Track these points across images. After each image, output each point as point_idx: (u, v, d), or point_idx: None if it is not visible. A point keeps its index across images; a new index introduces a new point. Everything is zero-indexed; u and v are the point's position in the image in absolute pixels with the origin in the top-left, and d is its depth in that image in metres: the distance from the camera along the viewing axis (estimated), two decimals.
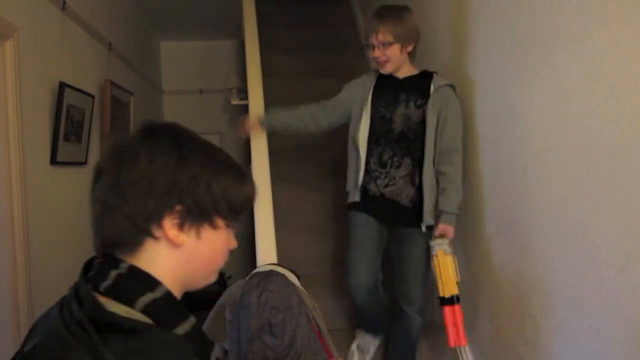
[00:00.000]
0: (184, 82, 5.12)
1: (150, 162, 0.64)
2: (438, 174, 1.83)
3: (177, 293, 0.67)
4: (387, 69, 1.87)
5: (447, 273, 1.74)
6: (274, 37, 3.44)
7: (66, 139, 2.43)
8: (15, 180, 1.98)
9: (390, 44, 1.79)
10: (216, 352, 1.53)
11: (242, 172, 0.72)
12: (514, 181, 1.64)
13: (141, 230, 0.64)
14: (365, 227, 1.92)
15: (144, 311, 0.60)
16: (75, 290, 0.62)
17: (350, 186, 1.99)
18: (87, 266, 0.66)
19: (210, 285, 0.75)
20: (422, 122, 1.83)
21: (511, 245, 1.67)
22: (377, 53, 1.82)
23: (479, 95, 1.88)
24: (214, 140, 4.95)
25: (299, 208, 2.63)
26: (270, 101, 2.49)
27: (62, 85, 2.33)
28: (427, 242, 1.82)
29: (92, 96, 2.74)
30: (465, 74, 1.96)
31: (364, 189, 1.92)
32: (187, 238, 0.66)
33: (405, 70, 1.90)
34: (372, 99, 1.92)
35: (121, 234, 0.64)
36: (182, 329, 0.63)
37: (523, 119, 1.57)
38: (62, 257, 2.33)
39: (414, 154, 1.85)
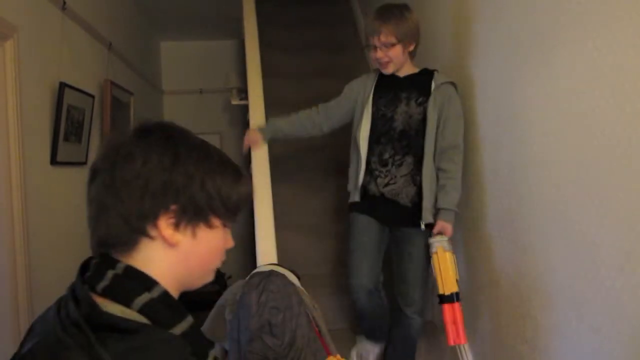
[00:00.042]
0: (184, 82, 5.12)
1: (145, 162, 0.63)
2: (438, 171, 1.83)
3: (174, 292, 0.67)
4: (389, 70, 1.87)
5: (446, 270, 1.74)
6: (274, 37, 3.44)
7: (66, 139, 2.43)
8: (15, 180, 1.98)
9: (393, 45, 1.79)
10: (216, 352, 1.52)
11: (237, 171, 0.72)
12: (514, 181, 1.64)
13: (136, 230, 0.64)
14: (365, 229, 1.92)
15: (141, 311, 0.60)
16: (72, 290, 0.62)
17: (351, 186, 1.99)
18: (84, 266, 0.66)
19: (210, 285, 0.75)
20: (424, 120, 1.83)
21: (511, 245, 1.67)
22: (380, 54, 1.82)
23: (479, 95, 1.88)
24: (214, 140, 4.97)
25: (299, 208, 2.63)
26: (270, 101, 2.49)
27: (62, 85, 2.33)
28: (427, 241, 1.82)
29: (92, 96, 2.74)
30: (465, 74, 1.96)
31: (364, 189, 1.92)
32: (182, 237, 0.66)
33: (406, 69, 1.90)
34: (373, 98, 1.92)
35: (116, 233, 0.64)
36: (179, 328, 0.63)
37: (523, 119, 1.57)
38: (62, 257, 2.33)
39: (415, 152, 1.85)
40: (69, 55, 2.53)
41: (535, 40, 1.48)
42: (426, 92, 1.84)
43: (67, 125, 2.42)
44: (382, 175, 1.88)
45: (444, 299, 1.73)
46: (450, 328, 1.73)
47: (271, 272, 1.51)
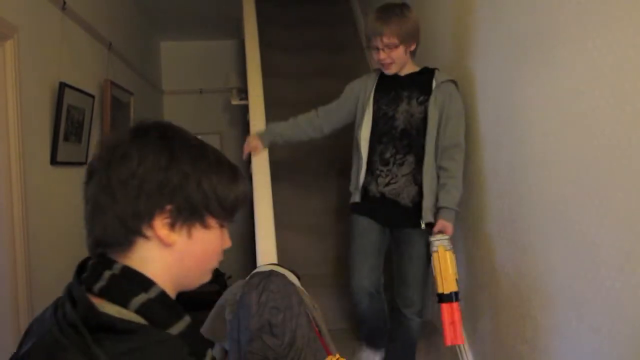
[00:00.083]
0: (184, 82, 5.12)
1: (141, 162, 0.63)
2: (439, 170, 1.83)
3: (171, 293, 0.67)
4: (391, 70, 1.87)
5: (446, 269, 1.73)
6: (274, 37, 3.44)
7: (66, 139, 2.43)
8: (15, 180, 1.98)
9: (396, 46, 1.79)
10: (216, 352, 1.53)
11: (234, 171, 0.71)
12: (514, 181, 1.64)
13: (132, 230, 0.64)
14: (366, 232, 1.92)
15: (138, 311, 0.60)
16: (69, 291, 0.62)
17: (352, 186, 1.99)
18: (81, 267, 0.66)
19: (211, 285, 0.75)
20: (425, 119, 1.83)
21: (511, 245, 1.67)
22: (383, 56, 1.82)
23: (479, 95, 1.88)
24: (214, 140, 4.97)
25: (299, 208, 2.63)
26: (270, 101, 2.49)
27: (62, 85, 2.33)
28: (427, 242, 1.82)
29: (92, 96, 2.74)
30: (465, 74, 1.96)
31: (365, 190, 1.92)
32: (178, 238, 0.66)
33: (407, 68, 1.90)
34: (374, 97, 1.92)
35: (112, 234, 0.64)
36: (176, 328, 0.63)
37: (523, 119, 1.57)
38: (62, 257, 2.33)
39: (416, 151, 1.84)
40: (69, 55, 2.53)
41: (535, 40, 1.48)
42: (427, 91, 1.84)
43: (67, 125, 2.42)
44: (383, 175, 1.88)
45: (443, 298, 1.73)
46: (448, 328, 1.72)
47: (271, 272, 1.51)
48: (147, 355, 0.57)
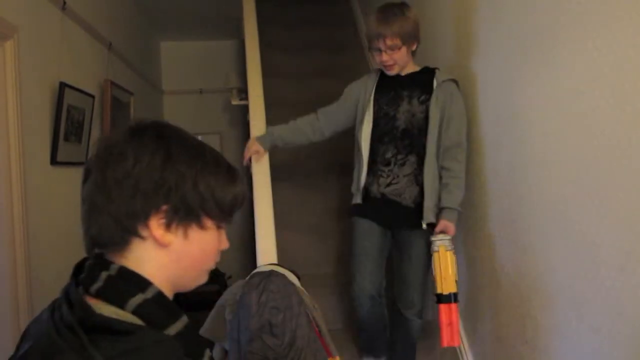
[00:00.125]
0: (184, 82, 5.12)
1: (137, 161, 0.63)
2: (441, 170, 1.82)
3: (168, 293, 0.66)
4: (394, 71, 1.87)
5: (446, 270, 1.73)
6: (274, 37, 3.44)
7: (66, 139, 2.43)
8: (15, 180, 1.98)
9: (399, 47, 1.79)
10: (216, 352, 1.52)
11: (232, 172, 0.70)
12: (514, 181, 1.64)
13: (127, 230, 0.63)
14: (367, 234, 1.91)
15: (135, 312, 0.60)
16: (66, 293, 0.62)
17: (354, 187, 1.98)
18: (78, 268, 0.66)
19: (211, 285, 0.75)
20: (426, 119, 1.83)
21: (511, 245, 1.67)
22: (385, 57, 1.81)
23: (479, 95, 1.88)
24: (214, 140, 4.97)
25: (299, 208, 2.62)
26: (270, 101, 2.49)
27: (62, 85, 2.33)
28: (428, 242, 1.81)
29: (92, 96, 2.74)
30: (465, 74, 1.96)
31: (366, 191, 1.91)
32: (174, 238, 0.65)
33: (408, 68, 1.90)
34: (375, 97, 1.92)
35: (108, 233, 0.64)
36: (173, 329, 0.62)
37: (523, 119, 1.57)
38: (62, 257, 2.33)
39: (418, 151, 1.84)
40: (69, 55, 2.53)
41: (535, 40, 1.48)
42: (428, 90, 1.84)
43: (67, 125, 2.42)
44: (385, 175, 1.87)
45: (442, 299, 1.73)
46: (445, 329, 1.72)
47: (271, 272, 1.51)
48: (143, 356, 0.56)
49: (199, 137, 0.72)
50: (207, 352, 0.68)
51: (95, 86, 2.91)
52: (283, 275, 1.52)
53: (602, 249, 1.22)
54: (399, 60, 1.83)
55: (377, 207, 1.89)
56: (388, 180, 1.86)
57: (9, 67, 1.95)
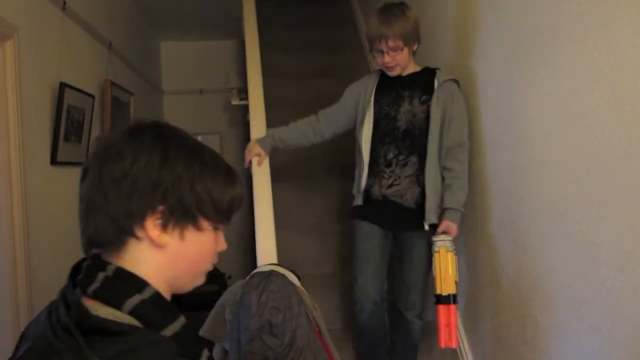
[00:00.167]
0: (184, 82, 5.12)
1: (134, 161, 0.62)
2: (443, 171, 1.82)
3: (165, 293, 0.66)
4: (396, 72, 1.86)
5: (446, 270, 1.73)
6: (274, 37, 3.44)
7: (66, 139, 2.43)
8: (15, 180, 1.98)
9: (401, 48, 1.78)
10: (216, 352, 1.52)
11: (230, 173, 0.70)
12: (514, 181, 1.64)
13: (123, 230, 0.63)
14: (368, 237, 1.91)
15: (132, 313, 0.60)
16: (63, 294, 0.62)
17: (355, 189, 1.97)
18: (75, 269, 0.66)
19: (211, 285, 0.75)
20: (427, 118, 1.82)
21: (511, 245, 1.67)
22: (387, 59, 1.80)
23: (479, 95, 1.88)
24: (214, 140, 4.98)
25: (299, 208, 2.62)
26: (270, 101, 2.49)
27: (62, 85, 2.33)
28: (429, 243, 1.80)
29: (92, 96, 2.74)
30: (465, 74, 1.96)
31: (367, 193, 1.91)
32: (170, 239, 0.65)
33: (409, 68, 1.89)
34: (375, 98, 1.91)
35: (104, 233, 0.63)
36: (171, 329, 0.62)
37: (523, 119, 1.57)
38: (62, 257, 2.33)
39: (419, 151, 1.83)
40: (69, 55, 2.53)
41: (535, 40, 1.48)
42: (429, 90, 1.83)
43: (67, 125, 2.42)
44: (386, 176, 1.86)
45: (441, 300, 1.72)
46: (443, 330, 1.71)
47: (271, 272, 1.51)
48: (139, 357, 0.56)
49: (199, 137, 0.72)
50: (205, 353, 0.67)
51: (95, 86, 2.91)
52: (283, 275, 1.52)
53: (602, 249, 1.22)
54: (400, 62, 1.82)
55: (378, 209, 1.89)
56: (390, 182, 1.86)
57: (9, 67, 1.95)
